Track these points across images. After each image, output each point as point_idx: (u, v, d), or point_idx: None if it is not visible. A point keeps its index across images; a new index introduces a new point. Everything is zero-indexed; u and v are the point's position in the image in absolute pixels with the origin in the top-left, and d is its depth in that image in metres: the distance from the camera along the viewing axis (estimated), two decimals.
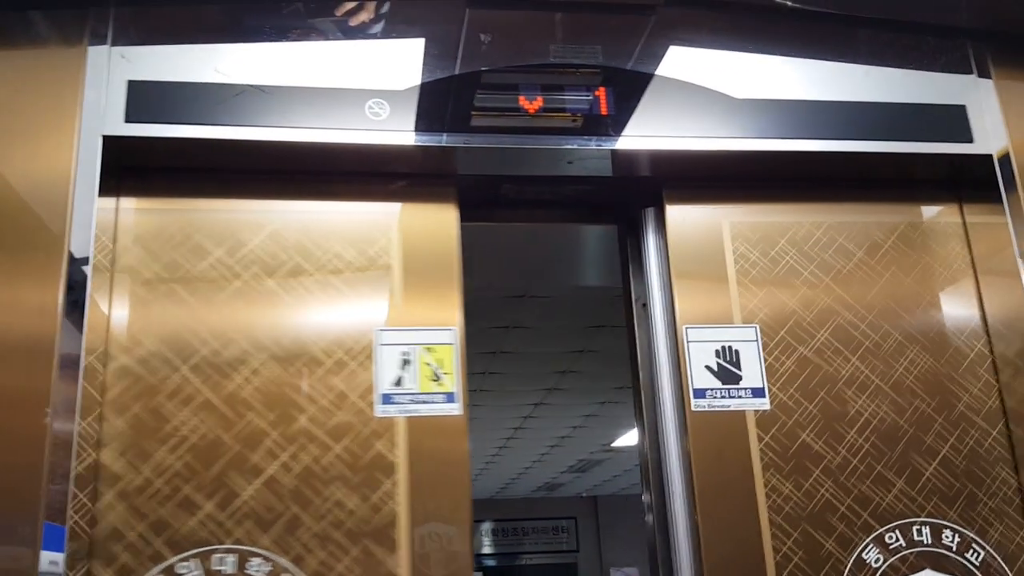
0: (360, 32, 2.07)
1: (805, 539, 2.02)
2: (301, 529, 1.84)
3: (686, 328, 2.11)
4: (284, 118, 1.94)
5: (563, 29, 2.13)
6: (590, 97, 2.09)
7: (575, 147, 2.04)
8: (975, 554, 2.07)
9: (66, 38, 1.93)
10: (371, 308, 2.01)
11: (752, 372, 2.10)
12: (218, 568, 1.79)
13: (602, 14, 2.16)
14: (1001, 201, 2.15)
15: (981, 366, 2.18)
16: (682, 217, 2.20)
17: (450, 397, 1.97)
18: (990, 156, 2.19)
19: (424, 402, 1.94)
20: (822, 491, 2.05)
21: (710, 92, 2.14)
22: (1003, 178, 2.18)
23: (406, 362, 1.97)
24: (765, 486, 2.02)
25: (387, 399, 1.94)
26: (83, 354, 1.75)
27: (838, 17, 2.26)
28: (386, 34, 2.08)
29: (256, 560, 1.81)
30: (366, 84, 2.00)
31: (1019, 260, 2.15)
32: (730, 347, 2.11)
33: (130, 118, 1.87)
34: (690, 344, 2.10)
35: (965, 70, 2.28)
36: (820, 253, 2.21)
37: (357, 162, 2.05)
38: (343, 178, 2.08)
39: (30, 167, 1.81)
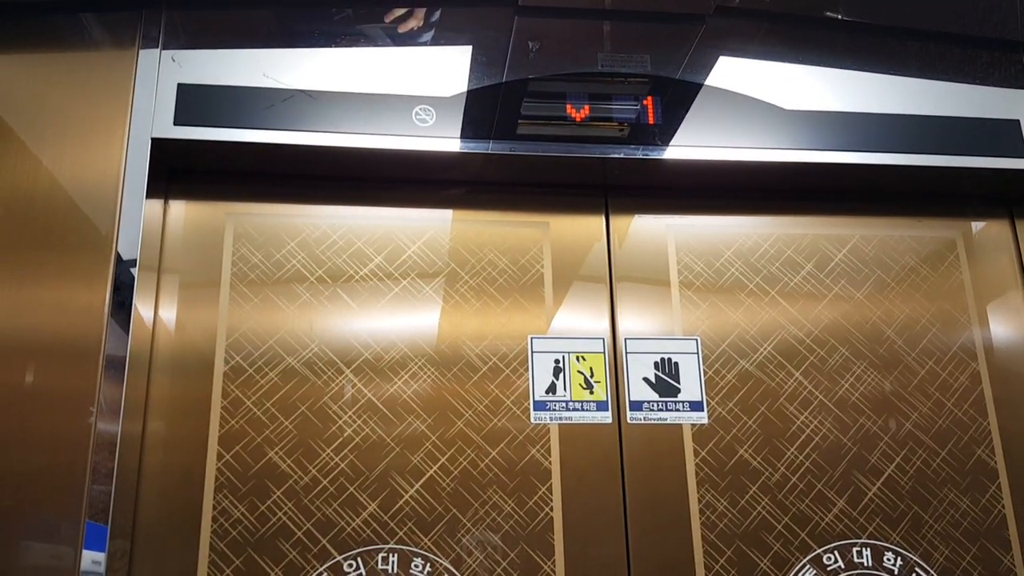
0: (409, 39, 1.81)
1: (739, 557, 1.71)
2: (462, 531, 1.68)
3: (625, 339, 1.86)
4: (331, 123, 1.70)
5: (611, 38, 1.87)
6: (638, 106, 1.83)
7: (621, 156, 1.80)
8: None
9: (118, 41, 1.71)
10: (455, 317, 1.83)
11: (691, 385, 1.83)
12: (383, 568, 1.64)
13: (651, 23, 1.88)
14: None
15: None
16: (626, 227, 1.94)
17: (601, 405, 1.77)
18: None
19: (576, 410, 1.77)
20: (758, 508, 1.75)
21: (757, 102, 1.86)
22: None
23: (558, 370, 1.83)
24: (699, 502, 1.74)
25: (541, 406, 1.76)
26: (128, 355, 1.54)
27: (890, 30, 1.97)
28: (434, 41, 1.82)
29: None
30: (413, 91, 1.76)
31: None
32: (670, 359, 1.86)
33: (179, 121, 1.66)
34: (629, 356, 1.83)
35: (1019, 85, 1.98)
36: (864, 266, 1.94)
37: (402, 168, 1.83)
38: (392, 185, 1.88)
39: (80, 168, 1.62)
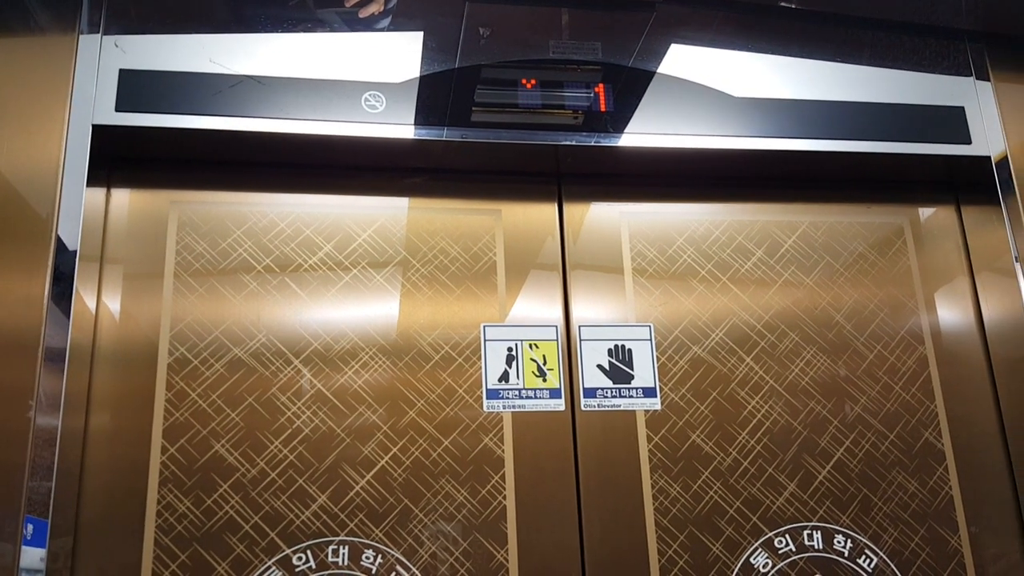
0: (367, 25, 1.74)
1: (691, 542, 1.68)
2: (414, 522, 1.62)
3: (579, 327, 1.80)
4: (279, 109, 1.63)
5: (562, 25, 1.82)
6: (590, 94, 1.78)
7: (573, 143, 1.74)
8: (867, 560, 1.72)
9: (60, 25, 1.62)
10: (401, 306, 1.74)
11: (644, 371, 1.78)
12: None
13: (601, 10, 1.83)
14: (998, 203, 1.88)
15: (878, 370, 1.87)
16: (579, 214, 1.88)
17: (554, 393, 1.72)
18: (988, 158, 1.89)
19: (529, 397, 1.72)
20: (711, 493, 1.71)
21: (708, 90, 1.81)
22: (1000, 181, 1.88)
23: (511, 358, 1.77)
24: (652, 487, 1.70)
25: (494, 394, 1.71)
26: (68, 347, 1.47)
27: (838, 18, 1.93)
28: (389, 27, 1.76)
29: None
30: (362, 76, 1.69)
31: (1016, 264, 1.82)
32: (623, 346, 1.80)
33: (121, 107, 1.58)
34: (583, 343, 1.78)
35: (964, 72, 1.96)
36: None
37: (352, 155, 1.75)
38: (342, 172, 1.81)
39: (18, 155, 1.52)
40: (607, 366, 1.77)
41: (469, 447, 1.67)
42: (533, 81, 1.77)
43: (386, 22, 1.77)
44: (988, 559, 1.77)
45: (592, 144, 1.76)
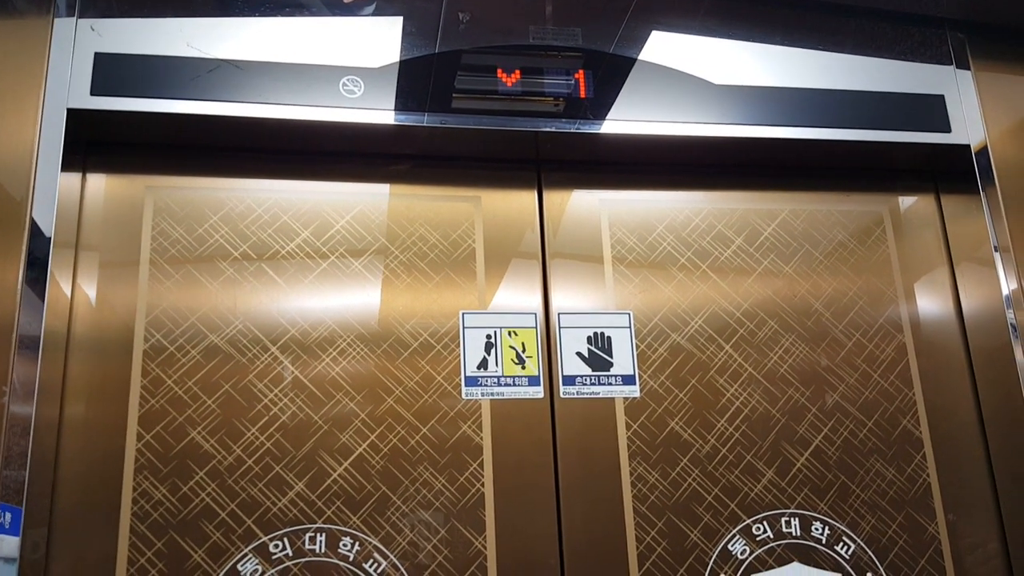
0: (351, 10, 1.73)
1: (670, 529, 1.67)
2: (391, 509, 1.62)
3: (558, 314, 1.79)
4: (257, 94, 1.62)
5: (543, 10, 1.80)
6: (570, 80, 1.77)
7: (553, 130, 1.73)
8: (845, 547, 1.73)
9: (35, 7, 1.59)
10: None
11: (623, 359, 1.77)
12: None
13: None
14: (978, 192, 1.88)
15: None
16: (559, 202, 1.87)
17: (533, 380, 1.71)
18: (968, 147, 1.89)
19: (508, 385, 1.71)
20: (689, 480, 1.71)
21: (689, 77, 1.80)
22: (980, 169, 1.88)
23: (490, 345, 1.75)
24: (631, 475, 1.69)
25: (472, 382, 1.70)
26: (43, 333, 1.45)
27: (821, 5, 1.94)
28: (369, 12, 1.74)
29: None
30: (340, 61, 1.68)
31: (995, 253, 1.83)
32: (602, 333, 1.80)
33: (96, 91, 1.56)
34: (562, 330, 1.77)
35: (945, 61, 1.96)
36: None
37: (330, 140, 1.74)
38: (321, 157, 1.79)
39: None
40: (586, 353, 1.76)
41: (447, 435, 1.67)
42: (516, 75, 1.75)
43: (371, 8, 1.75)
44: (965, 547, 1.78)
45: (572, 131, 1.75)
